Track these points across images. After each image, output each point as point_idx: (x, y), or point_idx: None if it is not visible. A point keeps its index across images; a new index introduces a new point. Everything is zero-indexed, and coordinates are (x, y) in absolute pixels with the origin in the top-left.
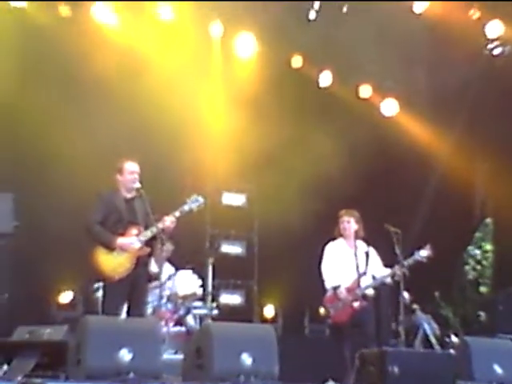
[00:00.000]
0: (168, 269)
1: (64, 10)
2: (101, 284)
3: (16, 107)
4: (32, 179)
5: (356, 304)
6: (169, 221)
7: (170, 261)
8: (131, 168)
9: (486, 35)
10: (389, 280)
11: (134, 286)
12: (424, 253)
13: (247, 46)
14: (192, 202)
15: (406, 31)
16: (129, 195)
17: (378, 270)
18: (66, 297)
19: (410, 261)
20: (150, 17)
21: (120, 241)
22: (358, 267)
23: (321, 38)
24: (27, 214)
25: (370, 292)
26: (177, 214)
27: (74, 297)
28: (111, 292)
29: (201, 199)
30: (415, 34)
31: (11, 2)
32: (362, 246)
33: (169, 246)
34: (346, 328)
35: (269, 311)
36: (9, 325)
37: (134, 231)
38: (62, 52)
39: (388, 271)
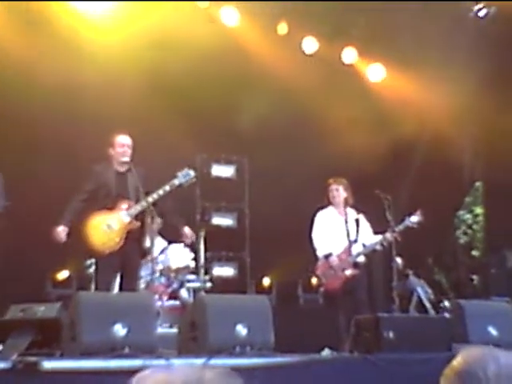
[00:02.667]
0: (160, 243)
1: None
2: (93, 260)
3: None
4: (21, 157)
5: (348, 271)
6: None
7: (161, 234)
8: (122, 141)
9: None
10: (379, 247)
11: (125, 261)
12: (414, 218)
13: (231, 16)
14: (183, 175)
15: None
16: (121, 169)
17: (368, 237)
18: (61, 274)
19: (400, 227)
20: None
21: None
22: (348, 235)
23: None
24: (18, 192)
25: (362, 259)
26: (167, 187)
27: (70, 274)
28: (102, 267)
29: (191, 173)
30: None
31: None
32: (351, 213)
33: (158, 220)
34: (339, 296)
35: (262, 282)
36: (3, 305)
37: (124, 205)
38: None
39: (378, 238)
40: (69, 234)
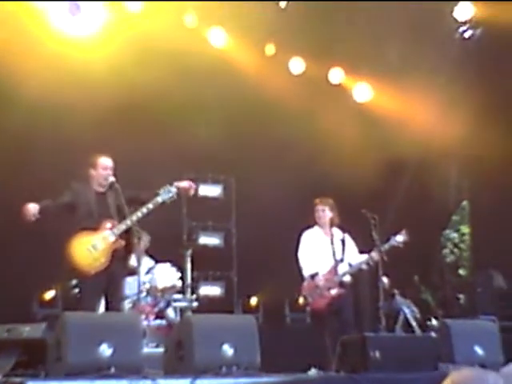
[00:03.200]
0: (147, 262)
1: None
2: (78, 280)
3: None
4: (6, 173)
5: (334, 291)
6: (186, 183)
7: (149, 254)
8: (105, 163)
9: (455, 18)
10: (365, 266)
11: (110, 281)
12: (400, 238)
13: (219, 37)
14: (164, 193)
15: (379, 13)
16: (101, 189)
17: (353, 256)
18: (48, 294)
19: (386, 246)
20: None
21: None
22: (334, 254)
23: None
24: (3, 210)
25: (348, 279)
26: (150, 206)
27: (56, 294)
28: (87, 287)
29: (173, 189)
30: (388, 16)
31: None
32: (337, 233)
33: (145, 239)
34: (326, 315)
35: (249, 302)
36: None
37: (108, 225)
38: None
39: (364, 257)
40: (53, 253)
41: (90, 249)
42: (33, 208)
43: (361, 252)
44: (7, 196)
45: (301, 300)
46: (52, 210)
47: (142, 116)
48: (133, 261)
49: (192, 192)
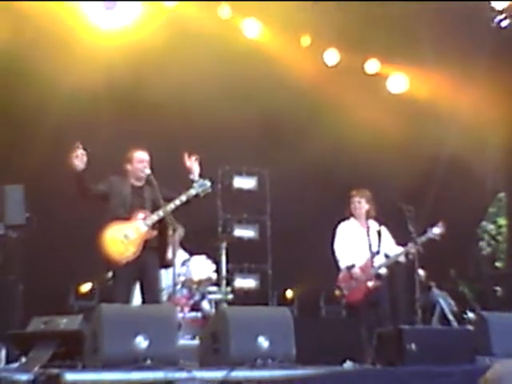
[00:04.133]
0: (182, 255)
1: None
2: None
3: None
4: (43, 169)
5: (370, 283)
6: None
7: (183, 247)
8: (140, 156)
9: (492, 7)
10: (402, 258)
11: (143, 272)
12: (437, 230)
13: (253, 28)
14: (199, 185)
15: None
16: (138, 183)
17: (390, 248)
18: (83, 287)
19: (422, 238)
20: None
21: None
22: (370, 246)
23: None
24: (39, 205)
25: (384, 271)
26: (183, 197)
27: (92, 286)
28: (119, 277)
29: (207, 183)
30: (421, 11)
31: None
32: (373, 225)
33: (180, 232)
34: (362, 308)
35: (284, 294)
36: (25, 317)
37: (141, 215)
38: None
39: (401, 249)
40: (90, 246)
41: (122, 238)
42: (83, 155)
43: (398, 244)
44: (44, 189)
45: (336, 292)
46: (86, 183)
47: (173, 108)
48: (170, 253)
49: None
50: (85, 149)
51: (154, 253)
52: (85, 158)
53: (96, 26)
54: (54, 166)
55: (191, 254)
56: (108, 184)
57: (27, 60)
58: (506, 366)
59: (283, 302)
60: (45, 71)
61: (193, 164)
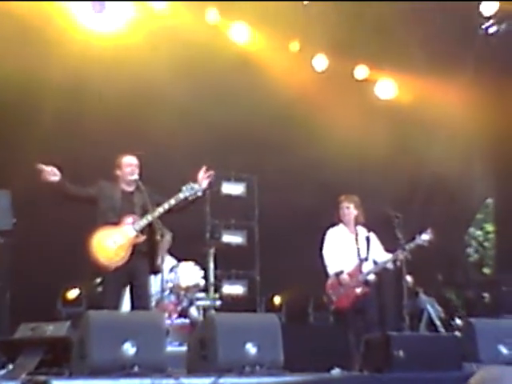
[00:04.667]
0: (170, 261)
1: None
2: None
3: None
4: (30, 174)
5: (358, 290)
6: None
7: (170, 252)
8: (128, 161)
9: (480, 14)
10: (390, 265)
11: (133, 277)
12: (425, 237)
13: (242, 33)
14: (187, 189)
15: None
16: (128, 189)
17: (379, 255)
18: (70, 293)
19: (411, 245)
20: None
21: None
22: (359, 253)
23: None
24: (26, 210)
25: (372, 278)
26: (172, 201)
27: (80, 293)
28: (109, 283)
29: (196, 187)
30: (410, 13)
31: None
32: (362, 231)
33: (168, 237)
34: (350, 314)
35: (272, 300)
36: (12, 323)
37: (129, 220)
38: None
39: (389, 256)
40: (78, 252)
41: (111, 243)
42: (52, 170)
43: (386, 251)
44: (30, 194)
45: (324, 298)
46: (70, 191)
47: (160, 113)
48: (159, 259)
49: (209, 179)
50: (47, 164)
51: (143, 258)
52: (55, 171)
53: (86, 27)
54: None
55: (179, 259)
56: (97, 188)
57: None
58: (489, 372)
59: (271, 308)
60: (32, 73)
61: (204, 178)
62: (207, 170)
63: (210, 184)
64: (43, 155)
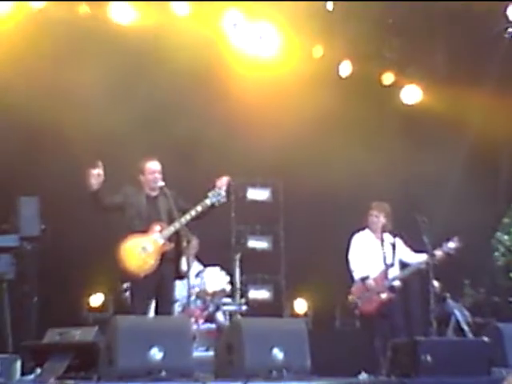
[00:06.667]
0: (196, 266)
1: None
2: (129, 284)
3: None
4: (59, 180)
5: (383, 295)
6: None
7: (197, 258)
8: (152, 167)
9: (507, 18)
10: (424, 266)
11: (160, 284)
12: (452, 244)
13: (267, 39)
14: (213, 196)
15: (425, 17)
16: (153, 193)
17: (409, 256)
18: (96, 299)
19: (438, 252)
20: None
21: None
22: (385, 258)
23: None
24: (54, 216)
25: (397, 283)
26: (199, 208)
27: (105, 298)
28: (138, 290)
29: (222, 192)
30: (435, 19)
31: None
32: (388, 237)
33: (194, 243)
34: (376, 319)
35: (298, 305)
36: (40, 328)
37: (157, 228)
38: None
39: (421, 256)
40: (105, 258)
41: (140, 251)
42: (99, 174)
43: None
44: (58, 201)
45: (350, 298)
46: (103, 201)
47: (186, 120)
48: (183, 264)
49: (226, 184)
50: (104, 168)
51: (171, 264)
52: (101, 178)
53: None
54: (70, 177)
55: (205, 265)
56: (123, 195)
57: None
58: None
59: (297, 312)
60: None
61: (223, 184)
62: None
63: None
64: (70, 161)
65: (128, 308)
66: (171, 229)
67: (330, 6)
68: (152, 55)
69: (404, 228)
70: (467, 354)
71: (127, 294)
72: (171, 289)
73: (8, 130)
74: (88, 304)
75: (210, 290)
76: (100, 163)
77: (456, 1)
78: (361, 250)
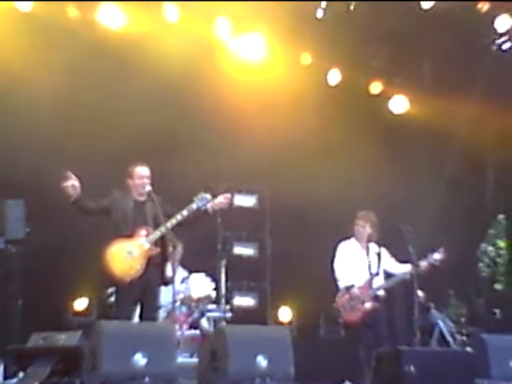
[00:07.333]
0: (181, 272)
1: (72, 10)
2: (114, 288)
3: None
4: (44, 183)
5: (368, 305)
6: (222, 198)
7: (182, 264)
8: (141, 172)
9: (495, 30)
10: (408, 276)
11: (145, 289)
12: (437, 256)
13: (255, 46)
14: (199, 200)
15: (414, 27)
16: (140, 198)
17: (393, 266)
18: (81, 303)
19: (423, 263)
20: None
21: None
22: (370, 268)
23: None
24: (39, 219)
25: (382, 293)
26: (185, 212)
27: (89, 303)
28: (123, 295)
29: (208, 197)
30: (423, 29)
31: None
32: (373, 247)
33: (179, 249)
34: (360, 328)
35: (283, 313)
36: (23, 332)
37: (143, 232)
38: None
39: (408, 267)
40: (89, 262)
41: (126, 255)
42: (74, 185)
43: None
44: (43, 204)
45: (333, 311)
46: (86, 207)
47: (174, 126)
48: (168, 270)
49: (227, 205)
50: (77, 175)
51: (156, 270)
52: (77, 186)
53: None
54: (55, 180)
55: (190, 271)
56: (110, 199)
57: None
58: None
59: (281, 321)
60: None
61: (223, 199)
62: (226, 193)
63: (224, 207)
64: (55, 165)
65: (112, 313)
66: (157, 233)
67: (319, 13)
68: (141, 60)
69: (388, 238)
70: (451, 365)
71: (112, 298)
72: (156, 294)
73: None
74: (72, 308)
75: (195, 296)
76: (70, 173)
77: (458, 1)
78: (346, 258)
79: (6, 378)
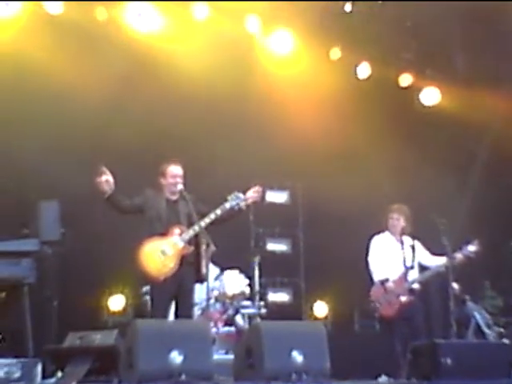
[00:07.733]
0: (213, 269)
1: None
2: (149, 287)
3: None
4: (78, 184)
5: (403, 298)
6: (252, 192)
7: (213, 261)
8: (174, 171)
9: None
10: (443, 269)
11: (180, 287)
12: (472, 248)
13: (284, 41)
14: (232, 199)
15: (441, 19)
16: (173, 197)
17: (428, 259)
18: (116, 302)
19: (457, 255)
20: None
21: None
22: (404, 261)
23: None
24: (74, 220)
25: (417, 286)
26: (218, 211)
27: (125, 302)
28: (158, 293)
29: (241, 196)
30: (449, 20)
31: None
32: (407, 240)
33: (212, 247)
34: (395, 322)
35: (318, 308)
36: (60, 332)
37: (177, 230)
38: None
39: (439, 259)
40: (124, 261)
41: (159, 254)
42: (109, 181)
43: (433, 255)
44: (78, 204)
45: (369, 306)
46: (120, 204)
47: (209, 124)
48: (202, 267)
49: (259, 198)
50: (111, 171)
51: (190, 268)
52: (111, 182)
53: None
54: (89, 180)
55: (223, 268)
56: (143, 197)
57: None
58: None
59: (316, 316)
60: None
61: (252, 197)
62: (257, 186)
63: (257, 201)
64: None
65: (148, 311)
66: (191, 232)
67: (348, 7)
68: (170, 58)
69: (422, 231)
70: (487, 357)
71: (147, 297)
72: (191, 292)
73: (27, 135)
74: (108, 307)
75: (230, 292)
76: (104, 169)
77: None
78: (380, 252)
79: (44, 377)
